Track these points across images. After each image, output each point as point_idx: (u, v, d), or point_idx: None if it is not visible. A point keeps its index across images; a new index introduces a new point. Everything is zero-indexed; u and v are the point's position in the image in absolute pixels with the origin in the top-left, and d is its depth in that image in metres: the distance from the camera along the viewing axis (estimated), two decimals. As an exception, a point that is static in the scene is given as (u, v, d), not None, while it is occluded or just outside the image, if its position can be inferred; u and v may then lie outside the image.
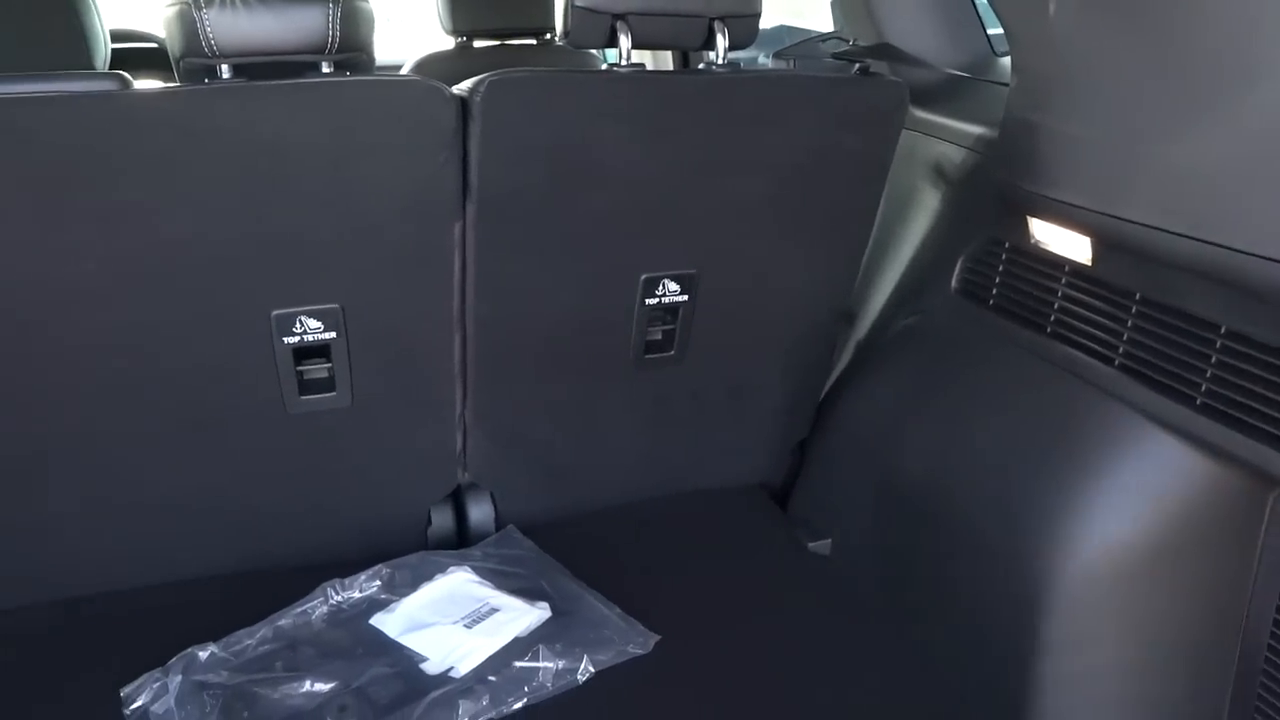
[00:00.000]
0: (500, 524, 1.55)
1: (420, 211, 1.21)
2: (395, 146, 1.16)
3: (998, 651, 1.16)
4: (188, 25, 1.08)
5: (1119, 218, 1.01)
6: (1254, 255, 0.85)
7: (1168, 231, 0.95)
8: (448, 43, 2.48)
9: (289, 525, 1.43)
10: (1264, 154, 0.83)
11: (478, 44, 2.43)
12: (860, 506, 1.48)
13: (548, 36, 2.43)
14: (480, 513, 1.55)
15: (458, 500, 1.55)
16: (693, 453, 1.63)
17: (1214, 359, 0.98)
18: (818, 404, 1.67)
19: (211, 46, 1.07)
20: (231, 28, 1.06)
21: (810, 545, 1.54)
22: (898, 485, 1.41)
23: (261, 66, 1.13)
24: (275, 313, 1.23)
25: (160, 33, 2.96)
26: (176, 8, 1.12)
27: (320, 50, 1.12)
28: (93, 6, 2.08)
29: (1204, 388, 0.99)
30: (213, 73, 1.12)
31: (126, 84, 1.07)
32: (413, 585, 1.41)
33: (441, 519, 1.54)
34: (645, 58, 2.49)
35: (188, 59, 1.13)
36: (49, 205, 1.07)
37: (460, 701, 1.19)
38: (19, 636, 1.31)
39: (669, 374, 1.52)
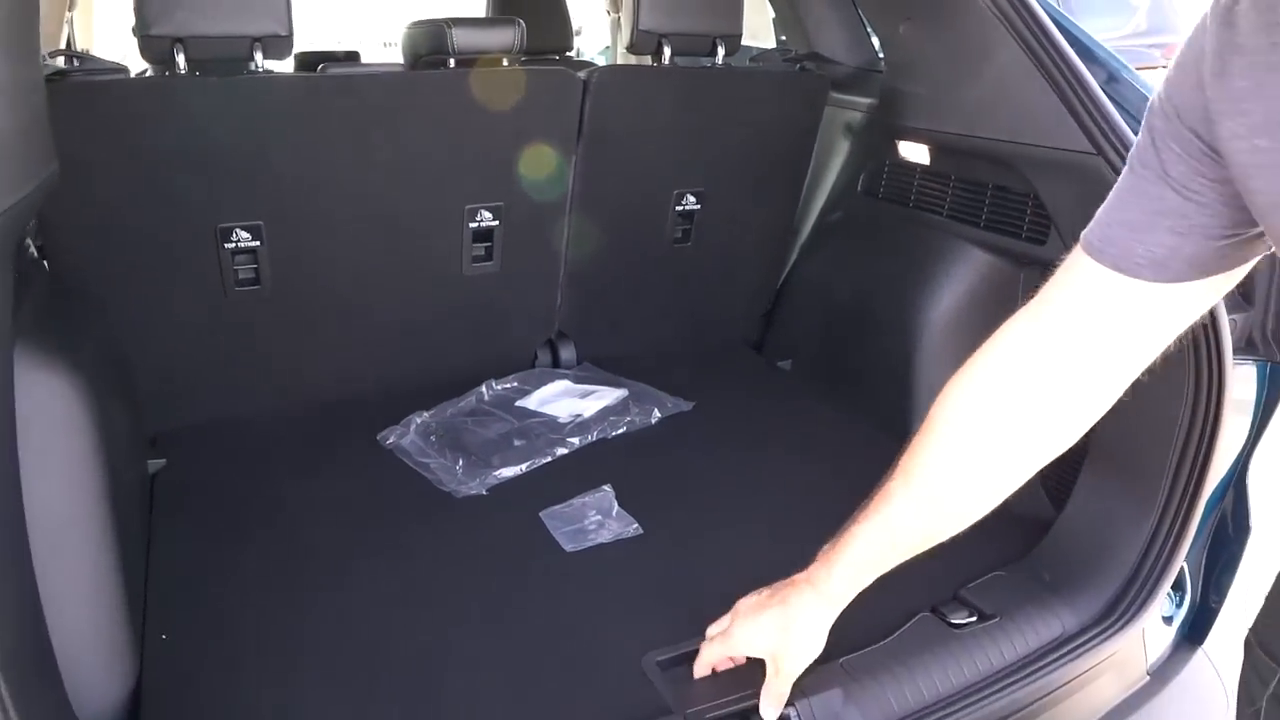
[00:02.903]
0: (579, 361, 2.41)
1: (556, 144, 2.07)
2: (546, 106, 2.02)
3: (893, 384, 2.05)
4: (436, 35, 1.94)
5: (942, 131, 1.95)
6: (1000, 140, 1.78)
7: (963, 135, 1.88)
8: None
9: (458, 350, 2.25)
10: (997, 91, 1.76)
11: (517, 59, 3.31)
12: (810, 337, 2.38)
13: (568, 54, 3.33)
14: (568, 353, 2.39)
15: (552, 344, 2.40)
16: (702, 316, 2.51)
17: (987, 201, 1.91)
18: (778, 285, 2.57)
19: (454, 48, 1.93)
20: (469, 37, 1.93)
21: (778, 364, 2.44)
22: (833, 319, 2.31)
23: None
24: (467, 206, 2.08)
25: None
26: (424, 25, 1.98)
27: (508, 52, 1.99)
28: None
29: (984, 216, 1.92)
30: (444, 64, 1.98)
31: (412, 68, 1.93)
32: (537, 385, 2.25)
33: (544, 355, 2.37)
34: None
35: (430, 55, 1.99)
36: (361, 136, 1.90)
37: (593, 426, 2.05)
38: (301, 419, 2.08)
39: (687, 260, 2.39)
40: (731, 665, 1.28)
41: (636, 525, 1.68)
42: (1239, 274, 0.87)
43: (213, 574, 1.56)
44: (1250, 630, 0.98)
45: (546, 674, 1.34)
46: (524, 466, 1.89)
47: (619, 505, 1.73)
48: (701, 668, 1.27)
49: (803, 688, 1.32)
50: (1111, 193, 0.89)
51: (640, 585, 1.54)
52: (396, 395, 2.14)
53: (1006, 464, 1.02)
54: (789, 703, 1.28)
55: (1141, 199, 0.85)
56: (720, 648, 1.24)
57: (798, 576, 1.18)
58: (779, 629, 1.17)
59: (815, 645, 1.19)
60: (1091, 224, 0.91)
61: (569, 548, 1.63)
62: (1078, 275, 0.91)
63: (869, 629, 1.49)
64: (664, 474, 1.89)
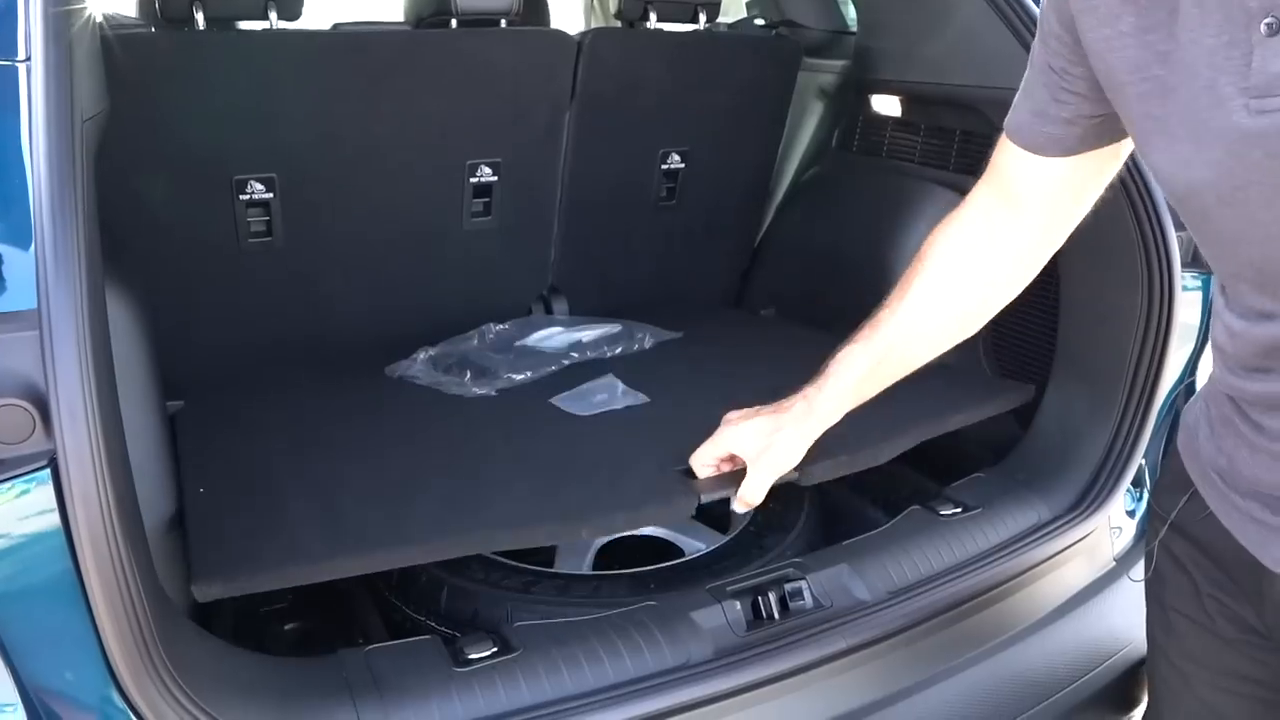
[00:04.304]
0: (571, 314, 2.52)
1: (550, 104, 2.19)
2: (543, 66, 2.14)
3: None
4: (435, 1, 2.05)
5: (910, 81, 2.11)
6: (966, 86, 1.95)
7: (930, 83, 2.05)
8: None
9: (459, 298, 2.35)
10: (962, 40, 1.92)
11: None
12: (790, 286, 2.53)
13: (545, 31, 3.45)
14: (560, 307, 2.51)
15: (545, 298, 2.51)
16: (686, 272, 2.63)
17: (955, 146, 2.08)
18: (756, 243, 2.71)
19: (456, 9, 2.04)
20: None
21: (761, 312, 2.58)
22: (812, 267, 2.46)
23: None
24: (469, 162, 2.19)
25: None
26: None
27: (507, 14, 2.11)
28: None
29: (952, 160, 2.09)
30: (447, 25, 2.08)
31: (416, 27, 2.04)
32: (533, 330, 2.37)
33: (538, 309, 2.50)
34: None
35: (433, 16, 2.10)
36: (370, 91, 2.01)
37: (588, 352, 2.18)
38: (309, 364, 2.16)
39: (671, 218, 2.51)
40: (733, 469, 1.45)
41: (644, 396, 1.88)
42: (1129, 143, 1.06)
43: (241, 460, 1.67)
44: (1151, 494, 1.18)
45: (576, 483, 1.53)
46: (530, 373, 2.04)
47: (624, 386, 1.93)
48: (698, 468, 1.46)
49: (813, 566, 1.47)
50: (1020, 86, 1.09)
51: (653, 431, 1.71)
52: (400, 343, 2.24)
53: (974, 298, 1.25)
54: (801, 577, 1.42)
55: (1038, 89, 1.05)
56: (709, 446, 1.43)
57: (792, 396, 1.38)
58: (767, 432, 1.36)
59: (795, 454, 1.37)
60: (1010, 111, 1.11)
61: (582, 414, 1.82)
62: (1007, 153, 1.13)
63: (869, 522, 1.63)
64: (663, 372, 2.06)
